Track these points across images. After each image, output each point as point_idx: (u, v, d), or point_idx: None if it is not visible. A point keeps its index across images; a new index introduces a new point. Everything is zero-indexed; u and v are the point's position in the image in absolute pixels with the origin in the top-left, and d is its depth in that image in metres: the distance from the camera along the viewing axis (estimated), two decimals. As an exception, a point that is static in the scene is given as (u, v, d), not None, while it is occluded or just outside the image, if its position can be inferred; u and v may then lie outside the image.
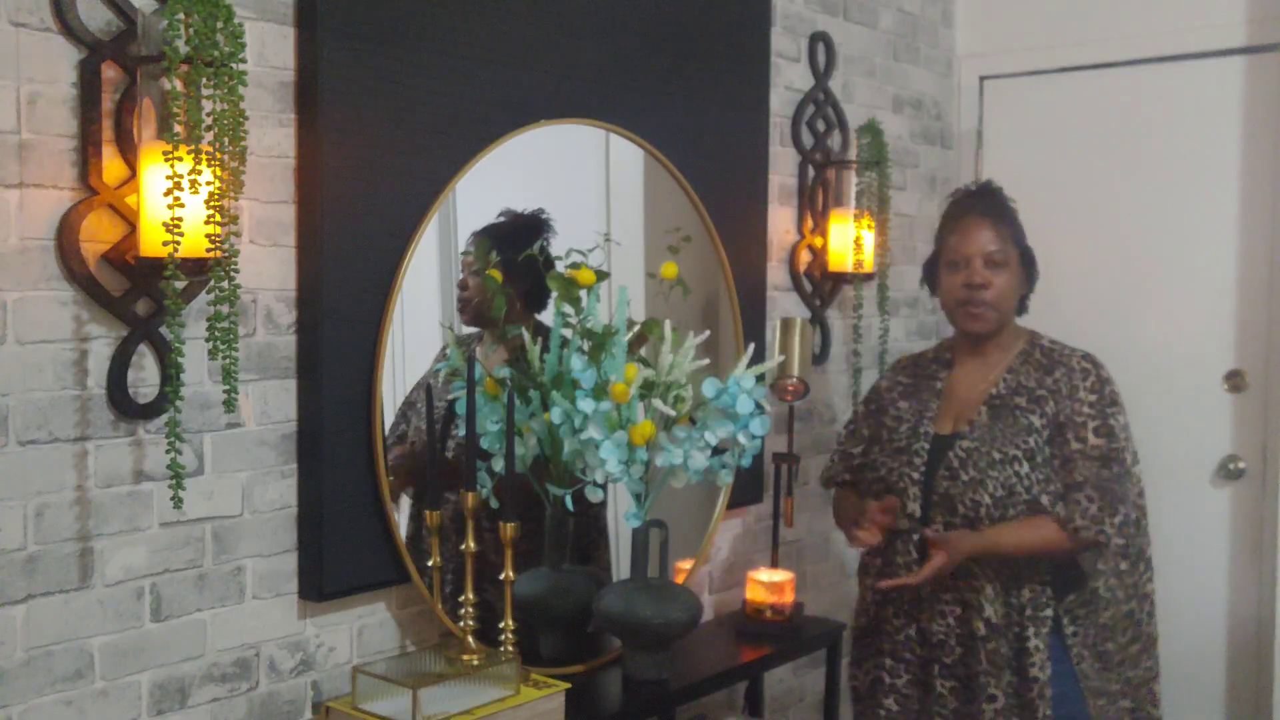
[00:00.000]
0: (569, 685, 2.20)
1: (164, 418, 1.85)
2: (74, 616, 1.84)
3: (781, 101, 3.16)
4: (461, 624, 2.15)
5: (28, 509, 1.78)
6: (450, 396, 2.29)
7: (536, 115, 2.42)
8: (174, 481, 1.78)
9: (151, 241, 1.76)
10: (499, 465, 2.26)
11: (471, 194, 2.32)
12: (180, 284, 1.82)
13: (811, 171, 3.26)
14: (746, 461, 2.36)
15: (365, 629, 2.23)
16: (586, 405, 2.22)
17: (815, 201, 3.27)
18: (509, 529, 2.12)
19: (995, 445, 2.44)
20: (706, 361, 2.41)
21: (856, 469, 2.72)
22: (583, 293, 2.32)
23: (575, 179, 2.68)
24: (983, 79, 3.84)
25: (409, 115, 2.20)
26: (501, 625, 2.17)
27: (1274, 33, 3.32)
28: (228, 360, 1.78)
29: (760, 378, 2.36)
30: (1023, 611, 2.44)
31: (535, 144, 2.41)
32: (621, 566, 2.55)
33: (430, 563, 2.18)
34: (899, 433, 2.60)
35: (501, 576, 2.15)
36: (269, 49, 2.04)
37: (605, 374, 2.26)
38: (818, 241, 3.26)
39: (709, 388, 2.30)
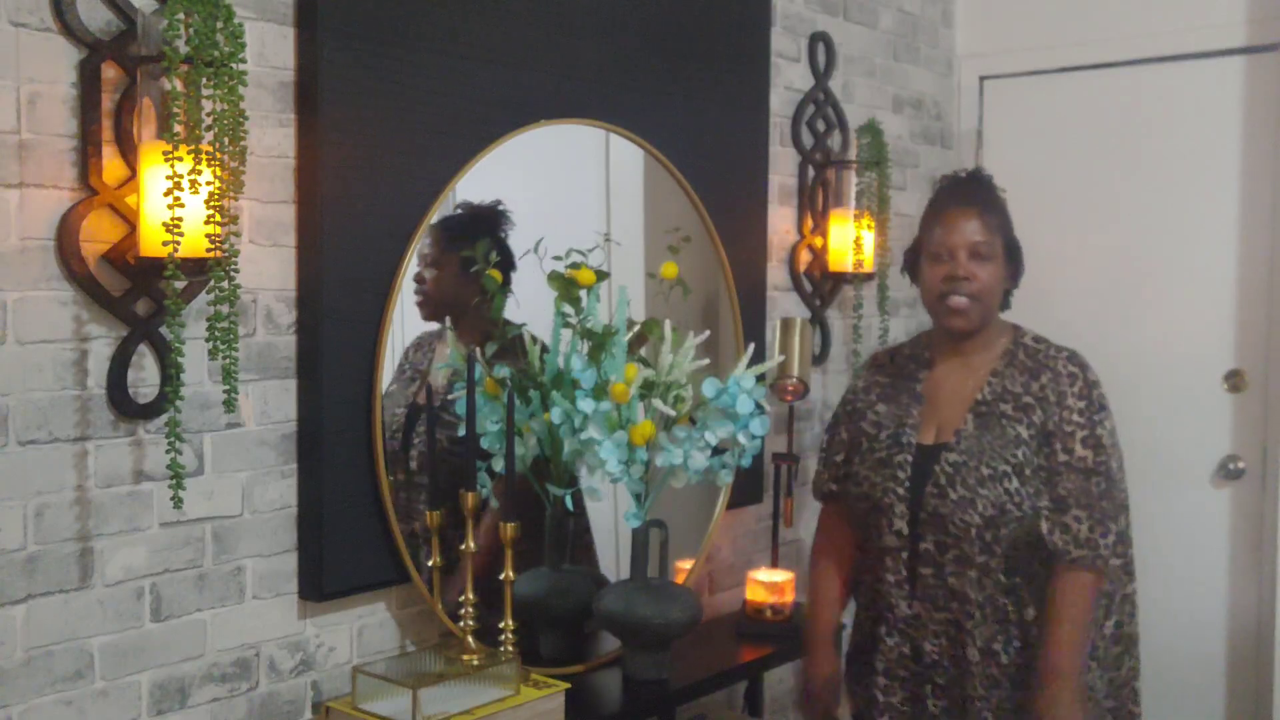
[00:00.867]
0: (569, 685, 2.20)
1: (164, 418, 1.85)
2: (74, 616, 1.84)
3: (781, 101, 3.16)
4: (461, 624, 2.15)
5: (28, 509, 1.78)
6: (450, 396, 2.29)
7: (536, 115, 2.42)
8: (174, 481, 1.78)
9: (151, 241, 1.76)
10: (499, 465, 2.26)
11: (471, 194, 2.33)
12: (180, 284, 1.82)
13: (811, 171, 3.26)
14: (746, 461, 2.36)
15: (365, 629, 2.23)
16: (586, 405, 2.22)
17: (815, 201, 3.27)
18: (509, 529, 2.12)
19: (984, 460, 2.31)
20: (706, 361, 2.41)
21: (842, 479, 2.54)
22: (583, 293, 2.32)
23: (575, 179, 2.68)
24: (983, 79, 3.84)
25: (409, 115, 2.20)
26: (501, 625, 2.17)
27: (1274, 33, 3.32)
28: (228, 360, 1.78)
29: (760, 378, 2.36)
30: (1017, 628, 2.33)
31: (535, 144, 2.41)
32: (621, 566, 2.55)
33: (430, 563, 2.18)
34: (879, 441, 2.44)
35: (501, 576, 2.15)
36: (269, 49, 2.04)
37: (605, 374, 2.26)
38: (818, 241, 3.26)
39: (709, 388, 2.30)
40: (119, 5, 1.82)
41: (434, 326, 2.34)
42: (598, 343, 2.28)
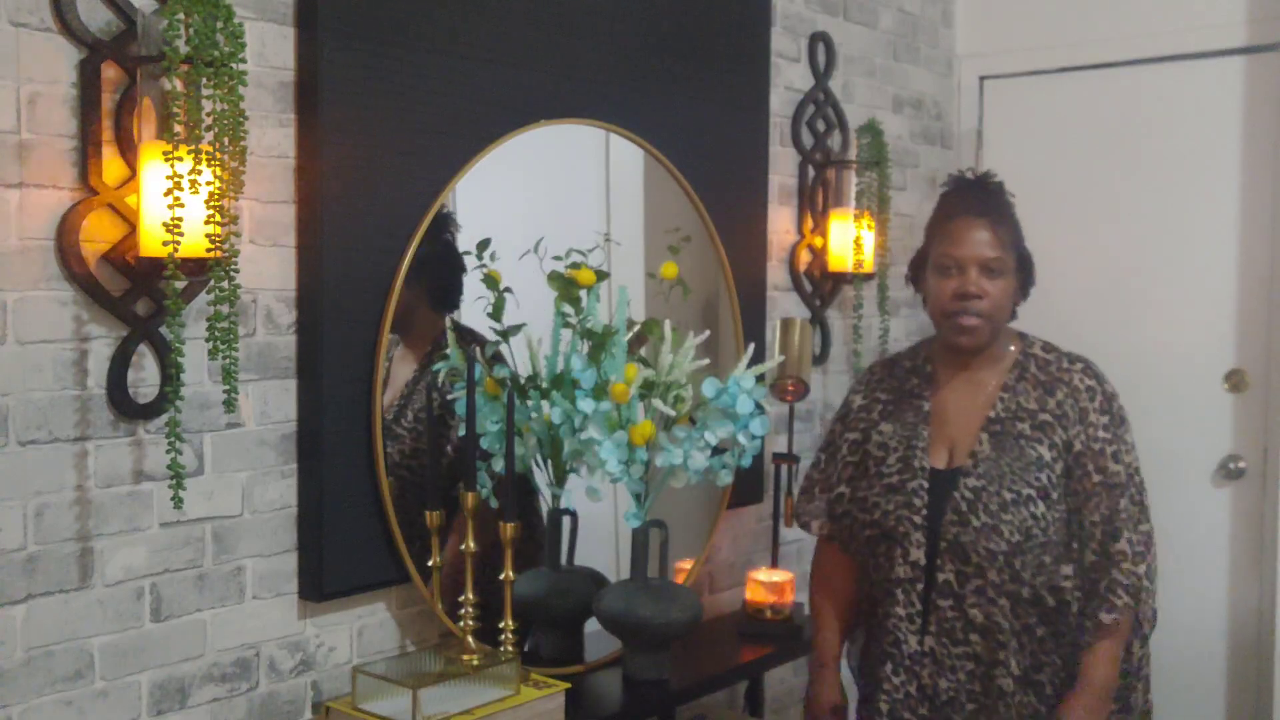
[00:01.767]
0: (569, 685, 2.20)
1: (164, 418, 1.85)
2: (74, 616, 1.84)
3: (781, 101, 3.16)
4: (461, 624, 2.15)
5: (28, 509, 1.78)
6: (450, 396, 2.29)
7: (536, 115, 2.42)
8: (174, 481, 1.78)
9: (151, 241, 1.76)
10: (499, 465, 2.26)
11: (471, 194, 2.32)
12: (180, 284, 1.82)
13: (811, 171, 3.26)
14: (746, 461, 2.35)
15: (365, 629, 2.23)
16: (586, 405, 2.23)
17: (815, 201, 3.27)
18: (509, 529, 2.12)
19: (1005, 484, 2.22)
20: (706, 361, 2.41)
21: (836, 500, 2.44)
22: (583, 293, 2.32)
23: (575, 179, 2.68)
24: (983, 79, 3.84)
25: (409, 115, 2.20)
26: (501, 625, 2.17)
27: (1274, 33, 3.32)
28: (228, 360, 1.78)
29: (760, 378, 2.36)
30: (1058, 656, 2.27)
31: (535, 144, 2.41)
32: (621, 566, 2.55)
33: (430, 563, 2.18)
34: (888, 465, 2.33)
35: (501, 576, 2.15)
36: (269, 49, 2.04)
37: (605, 374, 2.26)
38: (818, 241, 3.26)
39: (709, 388, 2.30)
40: (119, 5, 1.82)
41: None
42: (598, 343, 2.28)
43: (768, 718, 3.16)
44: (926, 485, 2.29)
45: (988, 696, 2.26)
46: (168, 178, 1.69)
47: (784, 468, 3.03)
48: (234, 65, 1.75)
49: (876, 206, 3.24)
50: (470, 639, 2.14)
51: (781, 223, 3.18)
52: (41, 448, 1.79)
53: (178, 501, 1.79)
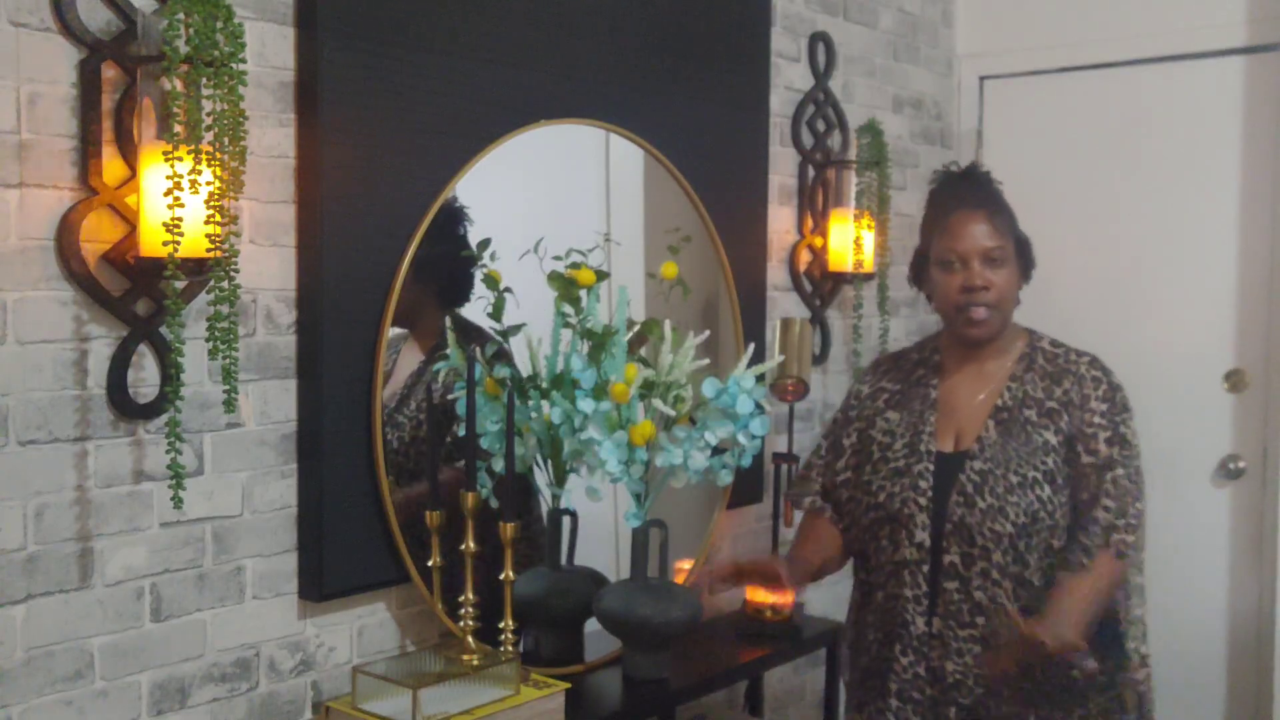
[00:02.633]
0: (569, 685, 2.20)
1: (164, 418, 1.85)
2: (74, 616, 1.84)
3: (781, 101, 3.16)
4: (461, 624, 2.15)
5: (28, 509, 1.78)
6: (450, 397, 2.29)
7: (536, 115, 2.42)
8: (174, 481, 1.78)
9: (151, 241, 1.76)
10: (499, 465, 2.26)
11: (471, 194, 2.32)
12: (180, 284, 1.82)
13: (811, 171, 3.26)
14: (746, 461, 2.35)
15: (365, 629, 2.23)
16: (586, 405, 2.23)
17: (815, 201, 3.27)
18: (509, 529, 2.12)
19: (1011, 467, 2.24)
20: (706, 361, 2.41)
21: (839, 485, 2.47)
22: (583, 293, 2.32)
23: (575, 179, 2.68)
24: (983, 79, 3.84)
25: (409, 115, 2.20)
26: (501, 625, 2.17)
27: (1274, 33, 3.32)
28: (228, 360, 1.78)
29: (760, 378, 2.36)
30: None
31: (535, 144, 2.41)
32: (621, 566, 2.55)
33: (430, 563, 2.18)
34: (894, 450, 2.36)
35: (501, 576, 2.15)
36: (269, 49, 2.04)
37: (605, 374, 2.26)
38: (818, 241, 3.26)
39: (709, 388, 2.30)
40: (119, 5, 1.82)
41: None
42: (598, 343, 2.28)
43: (768, 718, 3.16)
44: (932, 468, 2.31)
45: (991, 681, 2.26)
46: (168, 178, 1.69)
47: (784, 468, 3.03)
48: (234, 65, 1.75)
49: (876, 206, 3.24)
50: (470, 639, 2.14)
51: (781, 223, 3.18)
52: (41, 448, 1.79)
53: (178, 501, 1.79)
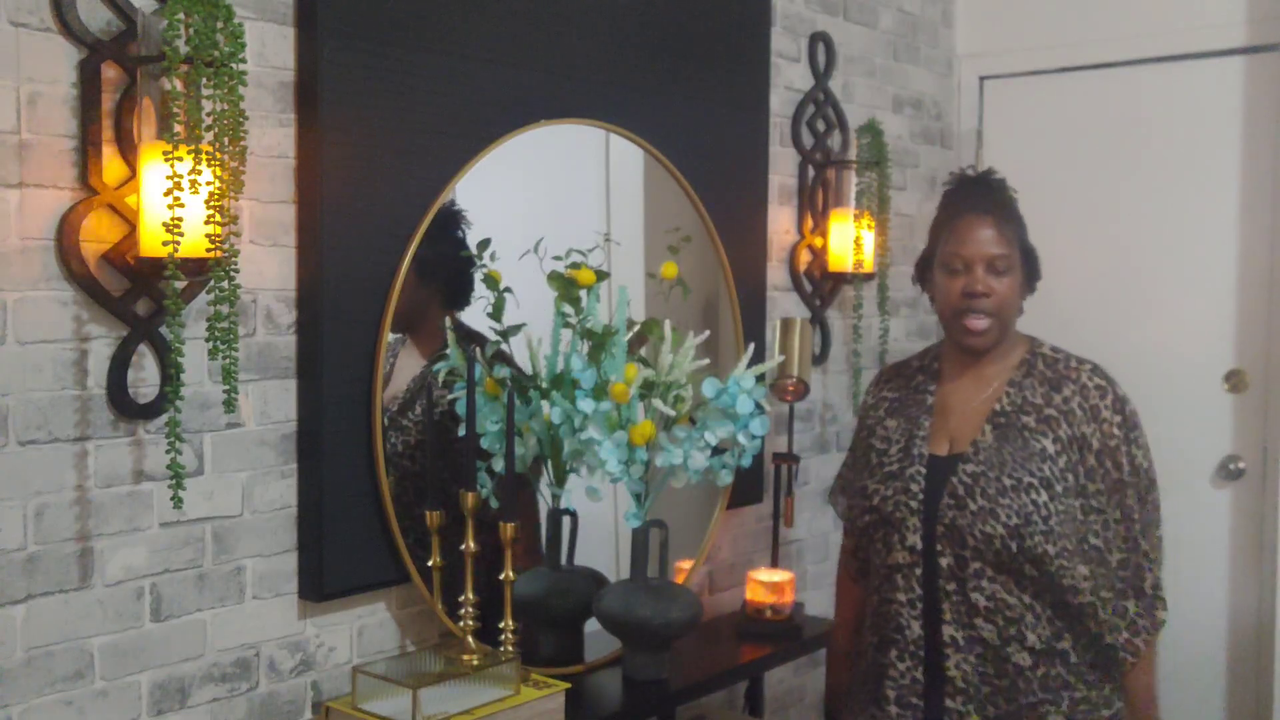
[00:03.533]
0: (569, 685, 2.20)
1: (164, 418, 1.85)
2: (74, 616, 1.84)
3: (781, 101, 3.16)
4: (461, 624, 2.15)
5: (28, 509, 1.78)
6: (450, 397, 2.29)
7: (536, 115, 2.42)
8: (174, 481, 1.78)
9: (151, 241, 1.76)
10: (499, 465, 2.26)
11: (471, 194, 2.33)
12: (180, 284, 1.82)
13: (811, 171, 3.26)
14: (746, 461, 2.35)
15: (365, 629, 2.23)
16: (586, 405, 2.22)
17: (815, 201, 3.27)
18: (509, 529, 2.12)
19: (1005, 470, 2.21)
20: (706, 361, 2.41)
21: (849, 508, 2.48)
22: (583, 293, 2.32)
23: (575, 179, 2.68)
24: (983, 79, 3.84)
25: (409, 115, 2.20)
26: (501, 625, 2.17)
27: (1274, 33, 3.32)
28: (228, 360, 1.78)
29: (760, 378, 2.36)
30: (1079, 623, 2.25)
31: (535, 144, 2.41)
32: (621, 566, 2.55)
33: (430, 563, 2.18)
34: (889, 455, 2.34)
35: (501, 576, 2.15)
36: (269, 49, 2.04)
37: (605, 374, 2.26)
38: (818, 241, 3.26)
39: (709, 388, 2.30)
40: (119, 5, 1.82)
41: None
42: (598, 343, 2.28)
43: (767, 718, 3.16)
44: (924, 471, 2.29)
45: (1002, 677, 2.24)
46: (168, 178, 1.69)
47: (784, 468, 3.03)
48: (234, 65, 1.75)
49: (876, 206, 3.24)
50: (470, 639, 2.14)
51: (781, 223, 3.18)
52: (41, 448, 1.79)
53: (178, 501, 1.79)
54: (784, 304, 3.20)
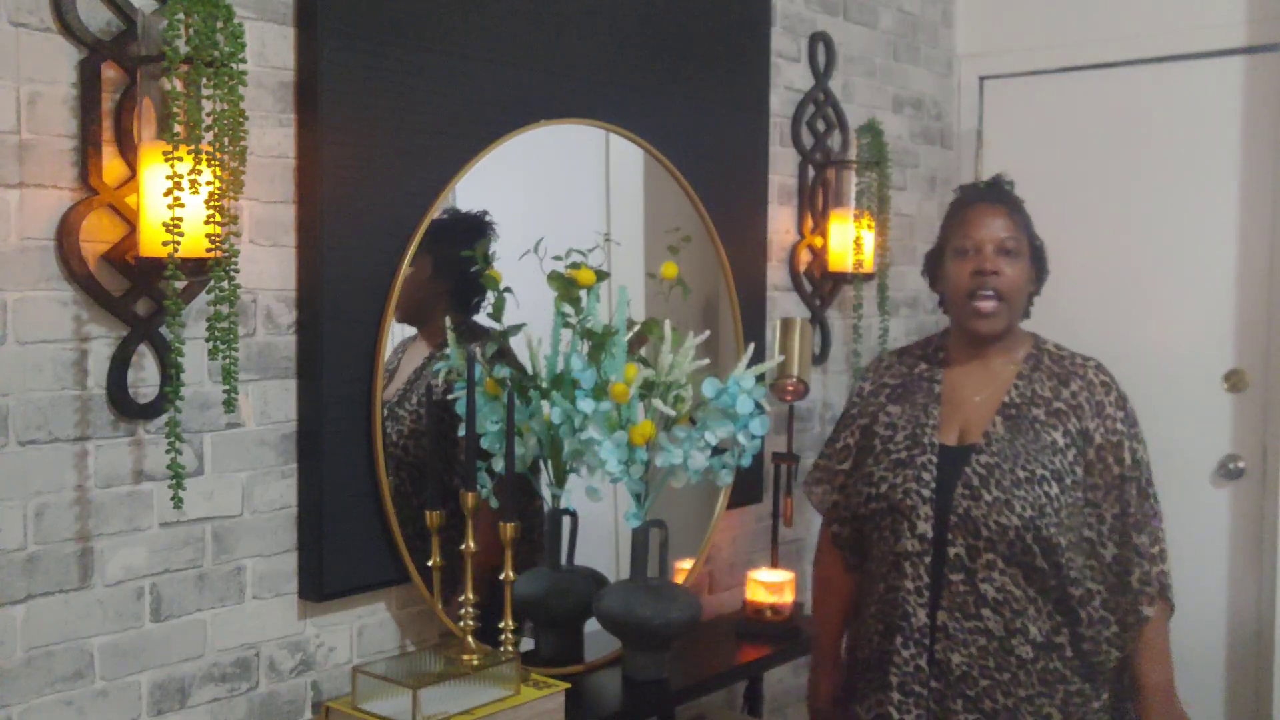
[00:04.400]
0: (569, 685, 2.20)
1: (164, 418, 1.85)
2: (74, 616, 1.84)
3: (781, 101, 3.16)
4: (461, 624, 2.15)
5: (28, 509, 1.78)
6: (450, 397, 2.29)
7: (536, 115, 2.42)
8: (174, 481, 1.78)
9: (151, 241, 1.76)
10: (499, 465, 2.26)
11: (472, 194, 2.33)
12: (180, 284, 1.82)
13: (811, 171, 3.26)
14: (746, 461, 2.35)
15: (365, 629, 2.23)
16: (586, 405, 2.22)
17: (815, 201, 3.27)
18: (509, 529, 2.12)
19: (1019, 463, 2.24)
20: (706, 361, 2.41)
21: (842, 489, 2.47)
22: (583, 293, 2.32)
23: (575, 179, 2.68)
24: (983, 79, 3.84)
25: (409, 115, 2.20)
26: (501, 625, 2.17)
27: (1274, 33, 3.32)
28: (228, 360, 1.78)
29: (760, 378, 2.36)
30: (1080, 622, 2.27)
31: (535, 144, 2.41)
32: (621, 566, 2.55)
33: (430, 563, 2.18)
34: (895, 442, 2.35)
35: (501, 577, 2.15)
36: (269, 49, 2.04)
37: (605, 374, 2.26)
38: (818, 241, 3.27)
39: (709, 388, 2.30)
40: (119, 5, 1.82)
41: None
42: (598, 343, 2.28)
43: (767, 718, 3.16)
44: (936, 460, 2.31)
45: (1003, 670, 2.25)
46: (168, 178, 1.69)
47: (784, 468, 3.03)
48: (234, 65, 1.75)
49: (876, 206, 3.24)
50: (470, 639, 2.14)
51: (781, 223, 3.19)
52: (41, 448, 1.79)
53: (178, 501, 1.79)
54: (784, 304, 3.20)
